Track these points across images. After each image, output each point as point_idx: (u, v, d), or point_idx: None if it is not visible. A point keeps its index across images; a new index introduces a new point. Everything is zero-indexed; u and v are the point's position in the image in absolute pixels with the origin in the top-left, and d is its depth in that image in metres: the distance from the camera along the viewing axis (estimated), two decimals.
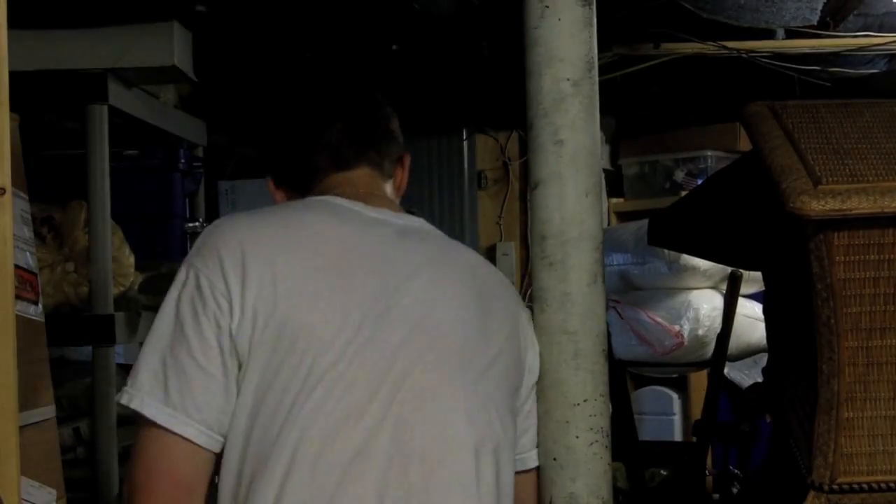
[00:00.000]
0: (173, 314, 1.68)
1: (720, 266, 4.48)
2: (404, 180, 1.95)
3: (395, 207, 1.88)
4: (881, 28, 4.67)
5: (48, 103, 3.18)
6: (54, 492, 2.22)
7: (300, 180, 1.89)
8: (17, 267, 2.01)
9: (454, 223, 5.42)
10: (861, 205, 2.04)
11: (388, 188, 1.91)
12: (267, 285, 1.66)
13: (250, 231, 1.71)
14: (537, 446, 1.83)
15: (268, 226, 1.73)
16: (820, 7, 4.26)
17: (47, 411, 2.29)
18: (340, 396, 1.64)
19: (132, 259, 3.12)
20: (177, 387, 1.64)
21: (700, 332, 4.65)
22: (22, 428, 1.92)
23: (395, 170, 1.93)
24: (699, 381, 4.93)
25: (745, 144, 4.24)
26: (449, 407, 1.70)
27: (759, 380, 2.76)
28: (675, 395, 5.33)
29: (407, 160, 1.96)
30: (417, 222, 1.86)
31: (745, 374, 4.95)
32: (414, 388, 1.68)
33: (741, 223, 2.68)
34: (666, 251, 4.57)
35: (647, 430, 5.05)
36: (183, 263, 1.72)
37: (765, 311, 2.81)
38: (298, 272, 1.68)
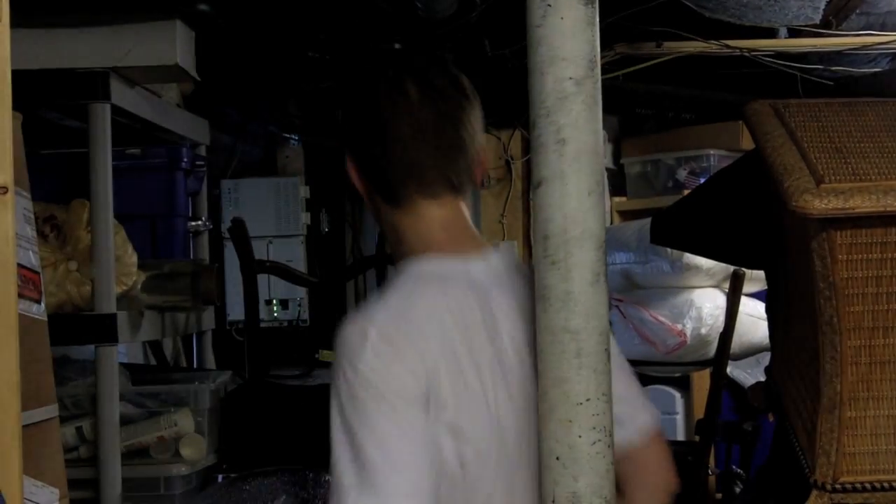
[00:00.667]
0: (352, 419, 1.70)
1: (723, 265, 4.48)
2: (483, 171, 1.95)
3: (477, 244, 1.92)
4: (883, 27, 4.66)
5: (51, 102, 3.19)
6: (57, 491, 2.22)
7: (385, 189, 1.89)
8: (19, 266, 2.01)
9: None
10: (863, 204, 2.04)
11: (465, 206, 1.93)
12: (450, 385, 1.75)
13: (416, 332, 1.76)
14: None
15: (422, 327, 1.77)
16: (822, 6, 4.26)
17: (50, 410, 2.29)
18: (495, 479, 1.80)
19: (135, 258, 3.12)
20: (381, 472, 1.67)
21: (703, 330, 4.65)
22: (25, 427, 1.92)
23: (475, 170, 1.92)
24: (702, 380, 4.93)
25: (747, 143, 4.24)
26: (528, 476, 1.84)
27: (762, 379, 2.76)
28: (677, 394, 5.33)
29: (484, 155, 1.94)
30: (496, 260, 1.92)
31: (747, 373, 4.95)
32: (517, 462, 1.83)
33: (744, 222, 2.68)
34: (668, 250, 4.57)
35: None
36: (343, 364, 1.73)
37: (767, 310, 2.81)
38: (459, 370, 1.77)
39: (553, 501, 1.77)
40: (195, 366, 4.08)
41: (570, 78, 1.78)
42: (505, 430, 1.79)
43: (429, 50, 1.79)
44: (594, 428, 1.76)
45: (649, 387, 5.40)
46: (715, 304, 4.66)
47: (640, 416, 1.96)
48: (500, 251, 1.95)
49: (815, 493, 2.22)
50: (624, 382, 1.91)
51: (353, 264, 5.47)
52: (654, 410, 2.01)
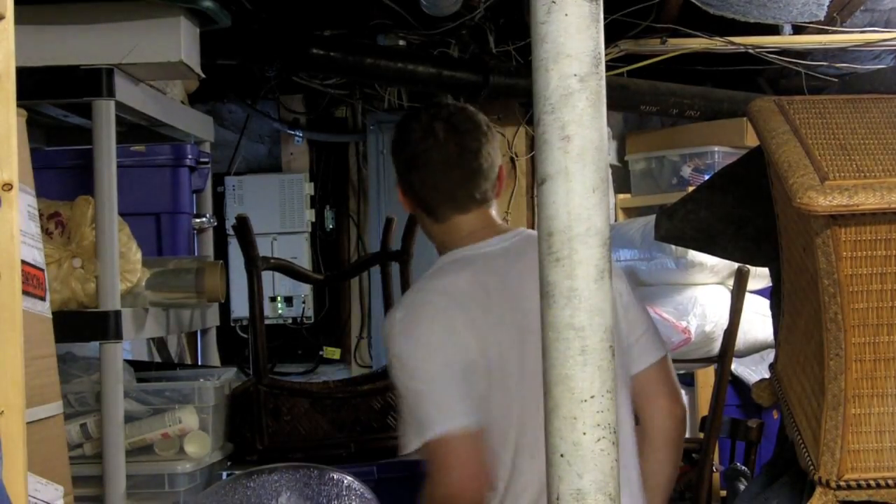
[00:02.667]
0: None
1: (727, 262, 4.48)
2: (503, 184, 2.47)
3: (499, 229, 2.43)
4: (888, 24, 4.67)
5: (55, 99, 3.19)
6: (61, 488, 2.22)
7: (426, 208, 2.43)
8: (24, 263, 2.02)
9: None
10: (868, 200, 2.04)
11: (493, 209, 2.45)
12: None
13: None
14: None
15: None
16: (827, 3, 4.26)
17: (54, 407, 2.29)
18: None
19: (139, 255, 3.12)
20: None
21: (707, 328, 4.64)
22: (29, 424, 1.93)
23: (497, 184, 2.44)
24: (706, 378, 4.93)
25: (752, 140, 4.24)
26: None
27: (767, 376, 2.76)
28: (682, 391, 5.32)
29: (503, 171, 2.47)
30: (516, 237, 2.40)
31: (752, 370, 4.95)
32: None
33: (748, 218, 2.68)
34: (673, 247, 4.57)
35: None
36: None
37: (772, 307, 2.81)
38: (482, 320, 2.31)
39: (558, 499, 1.77)
40: (199, 363, 4.09)
41: (575, 75, 1.78)
42: (508, 362, 2.24)
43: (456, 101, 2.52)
44: (598, 425, 1.76)
45: None
46: (719, 302, 4.66)
47: (652, 350, 2.46)
48: (520, 232, 2.43)
49: (819, 490, 2.21)
50: (641, 319, 2.47)
51: (358, 261, 5.47)
52: (664, 341, 2.53)
